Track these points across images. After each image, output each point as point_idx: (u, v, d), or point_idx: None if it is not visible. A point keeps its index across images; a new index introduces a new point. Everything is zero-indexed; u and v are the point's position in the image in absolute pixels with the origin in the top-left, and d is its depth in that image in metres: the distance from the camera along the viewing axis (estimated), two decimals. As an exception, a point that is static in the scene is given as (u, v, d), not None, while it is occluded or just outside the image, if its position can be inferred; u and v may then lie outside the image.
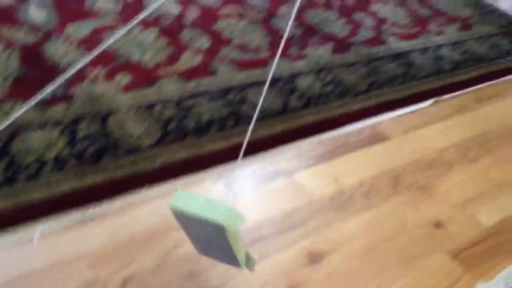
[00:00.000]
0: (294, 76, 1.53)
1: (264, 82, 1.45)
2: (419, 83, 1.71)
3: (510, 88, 1.85)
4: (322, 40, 1.75)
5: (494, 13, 2.38)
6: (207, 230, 0.88)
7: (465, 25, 2.19)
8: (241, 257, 0.91)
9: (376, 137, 1.45)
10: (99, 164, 1.05)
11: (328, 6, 1.98)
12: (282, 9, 1.85)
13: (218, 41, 1.57)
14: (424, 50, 1.90)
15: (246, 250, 0.90)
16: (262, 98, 1.23)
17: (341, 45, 1.76)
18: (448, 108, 1.65)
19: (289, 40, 1.69)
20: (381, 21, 2.01)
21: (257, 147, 1.24)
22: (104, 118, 1.16)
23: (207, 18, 1.66)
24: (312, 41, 1.73)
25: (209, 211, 0.81)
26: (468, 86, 1.79)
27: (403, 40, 1.92)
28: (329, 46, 1.74)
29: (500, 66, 1.95)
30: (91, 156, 1.06)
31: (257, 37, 1.65)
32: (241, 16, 1.73)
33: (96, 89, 1.24)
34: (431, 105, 1.64)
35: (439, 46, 1.96)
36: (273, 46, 1.63)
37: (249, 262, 0.90)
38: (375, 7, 2.09)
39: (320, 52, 1.68)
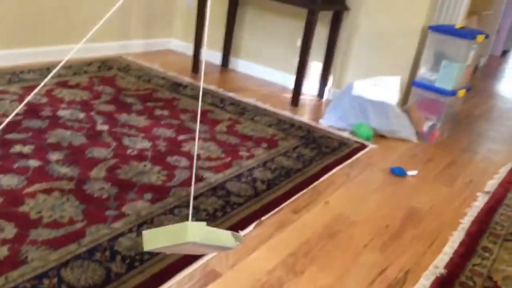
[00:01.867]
0: (114, 239, 1.51)
1: (81, 255, 1.41)
2: (240, 210, 1.81)
3: (319, 193, 2.06)
4: (139, 193, 1.79)
5: (294, 127, 2.69)
6: (185, 247, 1.09)
7: (271, 144, 2.43)
8: (228, 243, 1.12)
9: (208, 277, 1.47)
10: None
11: (140, 157, 2.05)
12: (94, 172, 1.87)
13: (26, 225, 1.50)
14: (239, 176, 2.05)
15: (229, 232, 1.07)
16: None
17: (160, 193, 1.82)
18: (270, 227, 1.76)
19: (104, 201, 1.70)
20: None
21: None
22: None
23: (10, 203, 1.59)
24: (130, 197, 1.75)
25: (176, 237, 1.04)
26: (284, 201, 1.94)
27: (218, 172, 2.05)
28: (148, 196, 1.78)
29: (307, 175, 2.17)
30: None
31: (70, 208, 1.62)
32: (49, 190, 1.70)
33: None
34: (254, 228, 1.73)
35: (251, 169, 2.13)
36: (88, 213, 1.61)
37: (238, 239, 1.09)
38: (187, 146, 2.22)
39: (140, 206, 1.71)
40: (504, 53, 6.14)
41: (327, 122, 2.82)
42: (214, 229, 1.12)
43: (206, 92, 2.98)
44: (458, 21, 3.56)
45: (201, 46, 3.34)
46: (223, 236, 1.12)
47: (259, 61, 3.55)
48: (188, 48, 3.64)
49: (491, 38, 5.39)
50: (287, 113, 2.89)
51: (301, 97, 3.13)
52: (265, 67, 3.52)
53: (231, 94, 3.03)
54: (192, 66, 3.39)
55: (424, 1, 2.86)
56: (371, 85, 2.79)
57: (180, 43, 3.85)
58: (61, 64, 1.59)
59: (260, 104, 2.95)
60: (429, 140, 2.81)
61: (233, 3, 3.47)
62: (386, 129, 2.75)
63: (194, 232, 1.07)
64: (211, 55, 3.68)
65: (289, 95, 3.16)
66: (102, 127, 2.25)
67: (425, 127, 2.82)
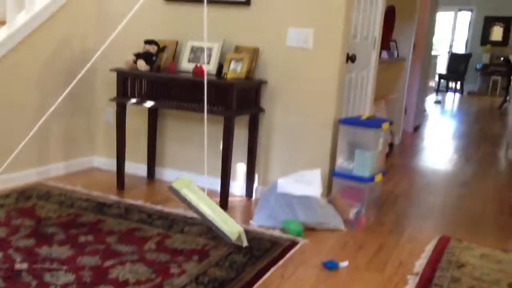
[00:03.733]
0: None
1: None
2: (174, 336, 1.73)
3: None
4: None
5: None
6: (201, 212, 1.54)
7: (203, 255, 2.39)
8: (231, 232, 1.38)
9: None
10: None
11: (63, 293, 1.94)
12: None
13: None
14: (171, 297, 1.98)
15: (240, 229, 1.26)
16: None
17: (86, 331, 1.71)
18: None
19: None
20: (123, 285, 2.04)
21: None
22: None
23: None
24: None
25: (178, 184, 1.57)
26: (220, 316, 1.89)
27: (149, 296, 1.97)
28: (73, 338, 1.67)
29: (241, 283, 2.14)
30: None
31: None
32: None
33: None
34: None
35: (183, 287, 2.07)
36: None
37: (239, 239, 1.33)
38: (114, 272, 2.14)
39: None
40: (416, 128, 6.60)
41: (257, 222, 2.84)
42: (224, 213, 1.60)
43: (132, 209, 2.94)
44: (367, 108, 3.84)
45: (124, 160, 3.35)
46: (230, 223, 1.57)
47: (184, 168, 3.59)
48: (112, 165, 3.62)
49: (401, 116, 5.81)
50: (217, 218, 2.88)
51: (230, 199, 3.15)
52: (191, 173, 3.56)
53: (158, 207, 3.00)
54: (116, 182, 3.36)
55: (331, 95, 3.07)
56: (294, 181, 2.88)
57: (104, 160, 3.83)
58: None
59: (189, 213, 2.93)
60: (357, 227, 2.88)
61: (152, 115, 3.55)
62: (314, 221, 2.81)
63: (180, 183, 1.54)
64: (136, 167, 3.68)
65: (217, 199, 3.18)
66: (21, 265, 2.12)
67: (351, 215, 2.90)
